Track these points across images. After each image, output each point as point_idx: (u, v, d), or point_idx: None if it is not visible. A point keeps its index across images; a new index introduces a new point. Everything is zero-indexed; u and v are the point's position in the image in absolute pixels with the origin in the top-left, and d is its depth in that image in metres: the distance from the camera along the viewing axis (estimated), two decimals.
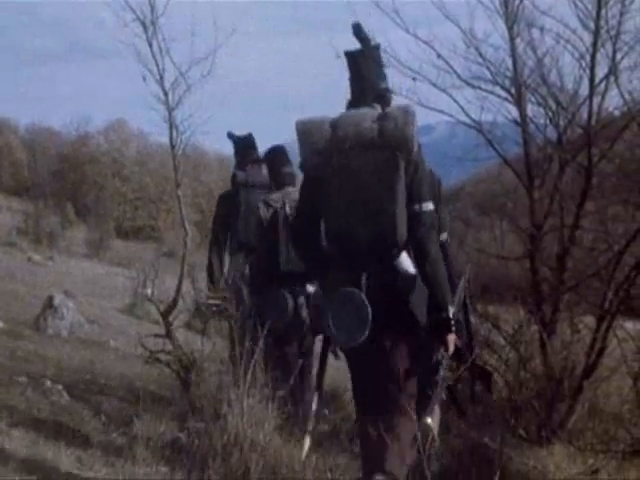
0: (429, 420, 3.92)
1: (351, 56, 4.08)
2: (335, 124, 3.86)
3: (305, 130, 3.91)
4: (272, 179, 6.14)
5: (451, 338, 3.88)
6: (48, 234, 24.51)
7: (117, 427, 5.54)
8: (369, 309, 3.70)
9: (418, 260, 3.80)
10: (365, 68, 4.02)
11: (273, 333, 5.15)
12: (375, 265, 3.77)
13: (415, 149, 3.76)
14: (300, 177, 4.31)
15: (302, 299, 5.75)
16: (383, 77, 4.12)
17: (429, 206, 3.81)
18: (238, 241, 6.37)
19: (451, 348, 3.90)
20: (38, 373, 6.75)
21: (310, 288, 5.76)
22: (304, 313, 5.75)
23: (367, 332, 3.71)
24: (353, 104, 4.01)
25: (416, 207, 3.76)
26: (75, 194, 34.44)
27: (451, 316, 3.85)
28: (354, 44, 4.01)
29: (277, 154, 6.19)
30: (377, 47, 4.14)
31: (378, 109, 3.93)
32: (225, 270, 6.51)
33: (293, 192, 5.81)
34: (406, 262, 3.78)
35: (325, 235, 3.91)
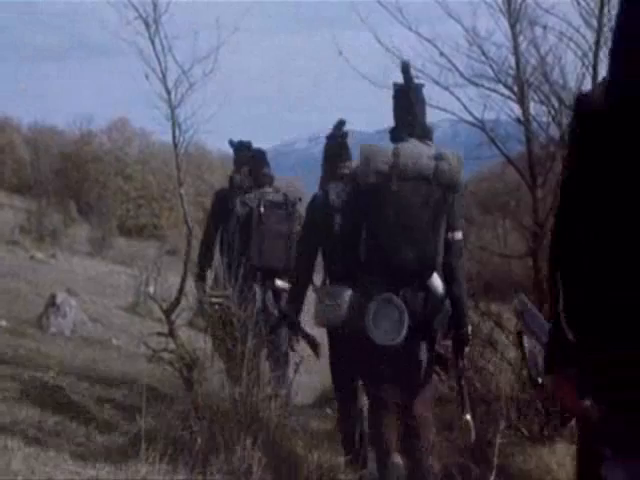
0: (468, 417, 4.39)
1: (402, 90, 4.59)
2: (397, 153, 4.34)
3: (370, 153, 4.41)
4: (253, 179, 6.49)
5: (467, 350, 4.56)
6: (51, 232, 24.53)
7: (120, 425, 5.54)
8: (406, 314, 4.23)
9: (447, 282, 4.37)
10: (416, 104, 4.56)
11: None
12: (412, 282, 4.31)
13: (461, 190, 4.42)
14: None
15: (270, 293, 6.16)
16: (425, 113, 4.66)
17: (459, 235, 4.40)
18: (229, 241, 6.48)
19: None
20: (41, 371, 6.75)
21: (278, 282, 6.15)
22: (270, 306, 6.13)
23: (403, 334, 4.23)
24: (400, 135, 4.50)
25: (449, 236, 4.35)
26: (78, 192, 34.43)
27: (469, 332, 4.51)
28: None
29: (257, 157, 6.65)
30: (422, 85, 4.73)
31: (433, 147, 4.43)
32: (216, 267, 6.63)
33: (269, 192, 6.35)
34: (437, 281, 4.33)
35: (369, 246, 4.40)
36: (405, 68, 4.54)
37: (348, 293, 4.62)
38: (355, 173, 4.55)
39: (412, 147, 4.37)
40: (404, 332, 4.20)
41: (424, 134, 4.48)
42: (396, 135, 4.50)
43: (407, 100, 4.52)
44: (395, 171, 4.26)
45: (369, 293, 4.32)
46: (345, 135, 5.34)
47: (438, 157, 4.29)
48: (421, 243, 4.25)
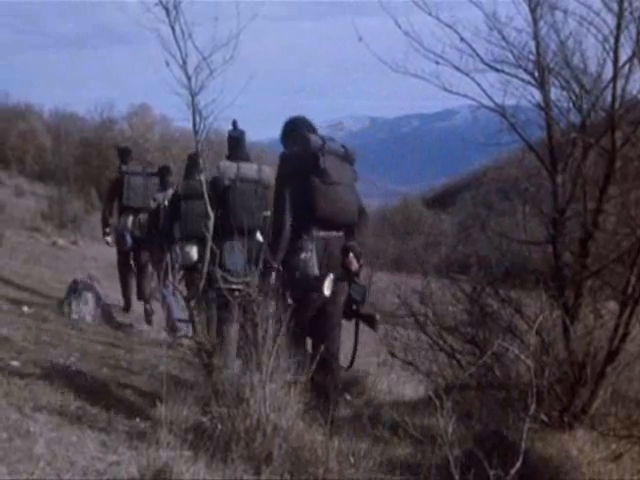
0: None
1: (238, 137, 7.40)
2: (239, 167, 7.38)
3: (223, 167, 7.39)
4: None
5: None
6: (72, 219, 24.65)
7: (140, 411, 5.58)
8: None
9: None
10: (244, 144, 7.46)
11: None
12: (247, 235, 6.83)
13: (271, 185, 7.17)
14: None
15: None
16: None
17: (268, 212, 6.91)
18: None
19: None
20: (63, 357, 6.80)
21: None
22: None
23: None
24: (236, 159, 7.34)
25: (267, 212, 7.10)
26: (99, 179, 34.52)
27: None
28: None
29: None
30: (244, 132, 7.42)
31: (255, 164, 7.42)
32: None
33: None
34: (259, 235, 7.25)
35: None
36: (235, 124, 7.21)
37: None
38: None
39: (246, 165, 7.19)
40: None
41: (248, 158, 7.29)
42: (233, 159, 7.19)
43: (241, 143, 7.31)
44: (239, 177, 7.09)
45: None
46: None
47: (260, 169, 7.20)
48: (253, 214, 6.99)
